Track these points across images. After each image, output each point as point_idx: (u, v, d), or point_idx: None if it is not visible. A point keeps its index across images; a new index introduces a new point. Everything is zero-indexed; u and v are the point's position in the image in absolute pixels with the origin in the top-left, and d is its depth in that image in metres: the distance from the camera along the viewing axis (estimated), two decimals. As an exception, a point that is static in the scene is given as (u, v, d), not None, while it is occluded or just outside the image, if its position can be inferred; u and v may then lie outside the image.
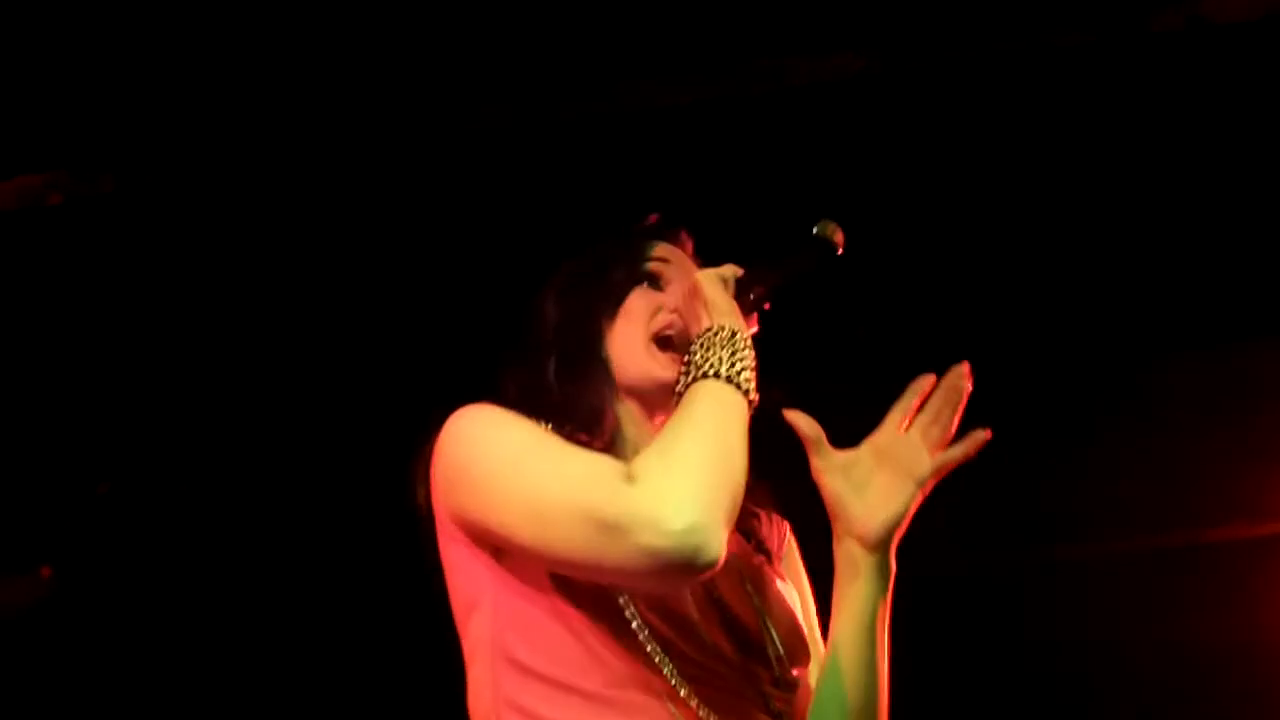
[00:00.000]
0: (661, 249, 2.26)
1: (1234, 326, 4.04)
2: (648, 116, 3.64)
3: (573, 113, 3.68)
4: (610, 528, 1.83)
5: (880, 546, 2.06)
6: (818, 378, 2.41)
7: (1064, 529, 4.37)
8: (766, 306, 2.18)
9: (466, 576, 2.05)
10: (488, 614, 2.02)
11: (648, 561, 1.83)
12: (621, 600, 1.96)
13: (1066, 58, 3.74)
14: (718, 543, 1.83)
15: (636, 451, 2.05)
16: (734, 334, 2.04)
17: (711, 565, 1.83)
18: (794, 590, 2.21)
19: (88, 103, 3.87)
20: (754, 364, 2.04)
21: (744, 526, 2.16)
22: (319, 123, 3.91)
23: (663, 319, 2.18)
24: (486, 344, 2.23)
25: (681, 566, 1.83)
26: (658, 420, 2.14)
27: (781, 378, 2.15)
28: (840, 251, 2.13)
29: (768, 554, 2.19)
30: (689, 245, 2.31)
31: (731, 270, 2.16)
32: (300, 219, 4.05)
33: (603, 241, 2.28)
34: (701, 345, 2.04)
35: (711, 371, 2.00)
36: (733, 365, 2.00)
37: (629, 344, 2.17)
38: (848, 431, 2.13)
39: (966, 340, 4.00)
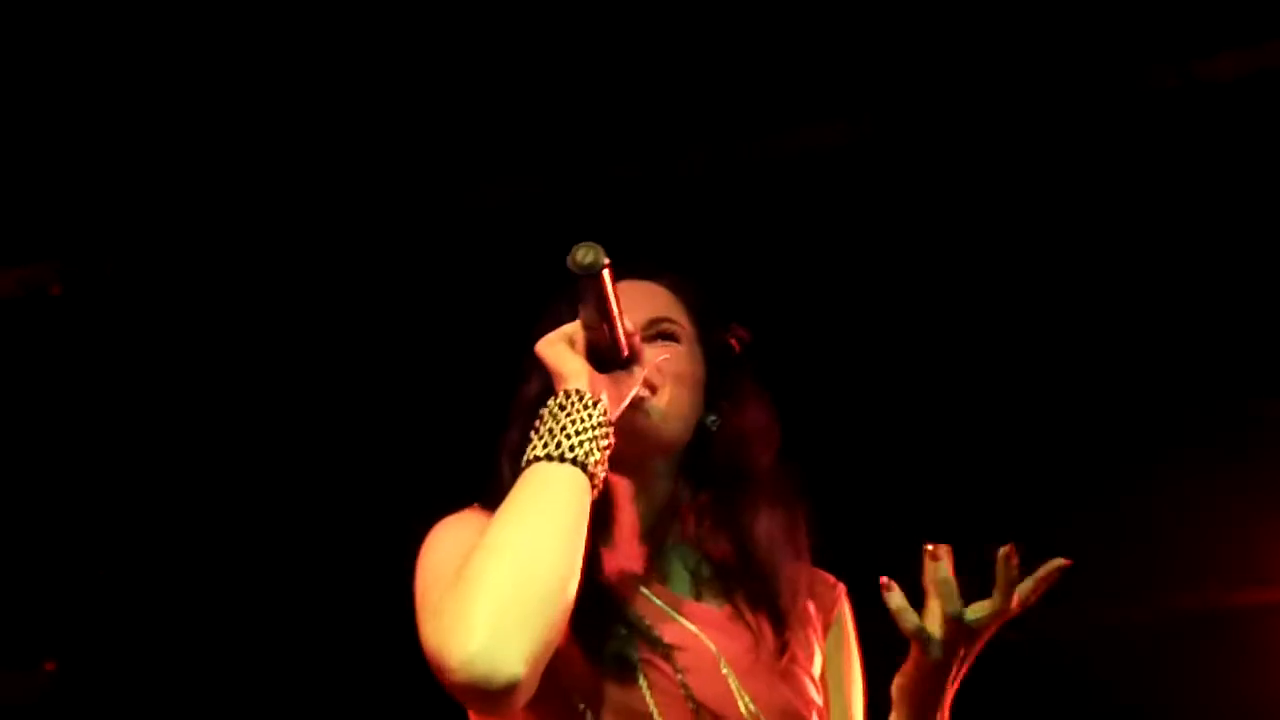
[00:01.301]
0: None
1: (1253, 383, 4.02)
2: (642, 186, 3.66)
3: (569, 185, 3.70)
4: (431, 663, 1.80)
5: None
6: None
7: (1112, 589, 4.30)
8: (634, 334, 2.01)
9: None
10: None
11: (455, 693, 1.79)
12: (580, 706, 1.93)
13: (1060, 118, 3.76)
14: (506, 665, 1.74)
15: (611, 512, 2.05)
16: (566, 397, 1.92)
17: (508, 687, 1.75)
18: (809, 670, 2.09)
19: (88, 192, 3.90)
20: (593, 421, 1.90)
21: (752, 602, 2.09)
22: (323, 206, 3.93)
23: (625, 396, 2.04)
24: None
25: (479, 696, 1.77)
26: (640, 466, 2.08)
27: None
28: (606, 265, 1.88)
29: (780, 631, 2.08)
30: (646, 270, 2.20)
31: (577, 324, 2.00)
32: (304, 304, 4.06)
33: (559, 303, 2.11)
34: (534, 430, 1.93)
35: (531, 455, 1.90)
36: (554, 438, 1.89)
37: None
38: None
39: (992, 406, 4.00)
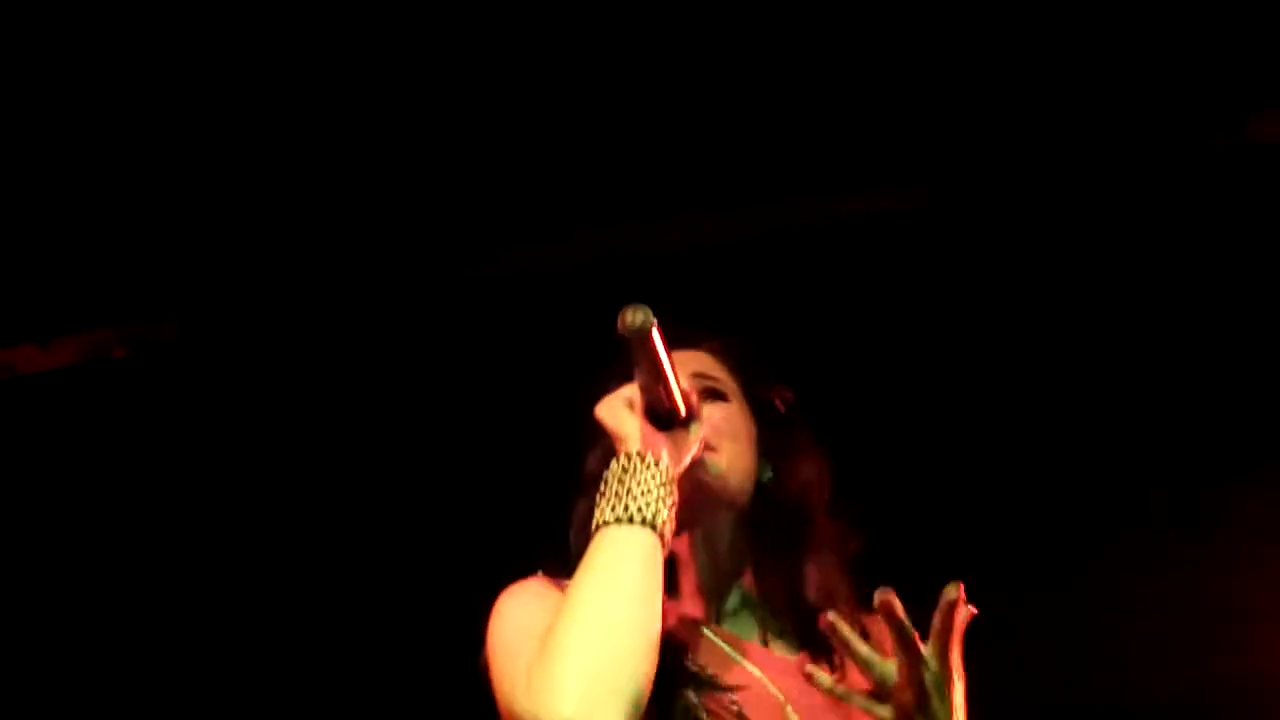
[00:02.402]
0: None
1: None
2: (694, 252, 3.67)
3: (612, 250, 3.72)
4: None
5: None
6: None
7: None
8: (691, 394, 2.05)
9: None
10: None
11: None
12: None
13: (1113, 184, 3.76)
14: None
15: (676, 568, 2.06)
16: (630, 459, 1.95)
17: None
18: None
19: (148, 255, 3.94)
20: (658, 481, 1.93)
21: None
22: (386, 267, 3.96)
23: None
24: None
25: None
26: (703, 523, 2.11)
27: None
28: (655, 325, 1.92)
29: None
30: (694, 337, 2.25)
31: (634, 387, 2.03)
32: (359, 366, 4.09)
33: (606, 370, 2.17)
34: (600, 494, 1.96)
35: (600, 520, 1.93)
36: (622, 500, 1.92)
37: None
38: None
39: (1028, 462, 3.99)
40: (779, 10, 3.42)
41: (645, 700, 1.83)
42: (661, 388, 1.99)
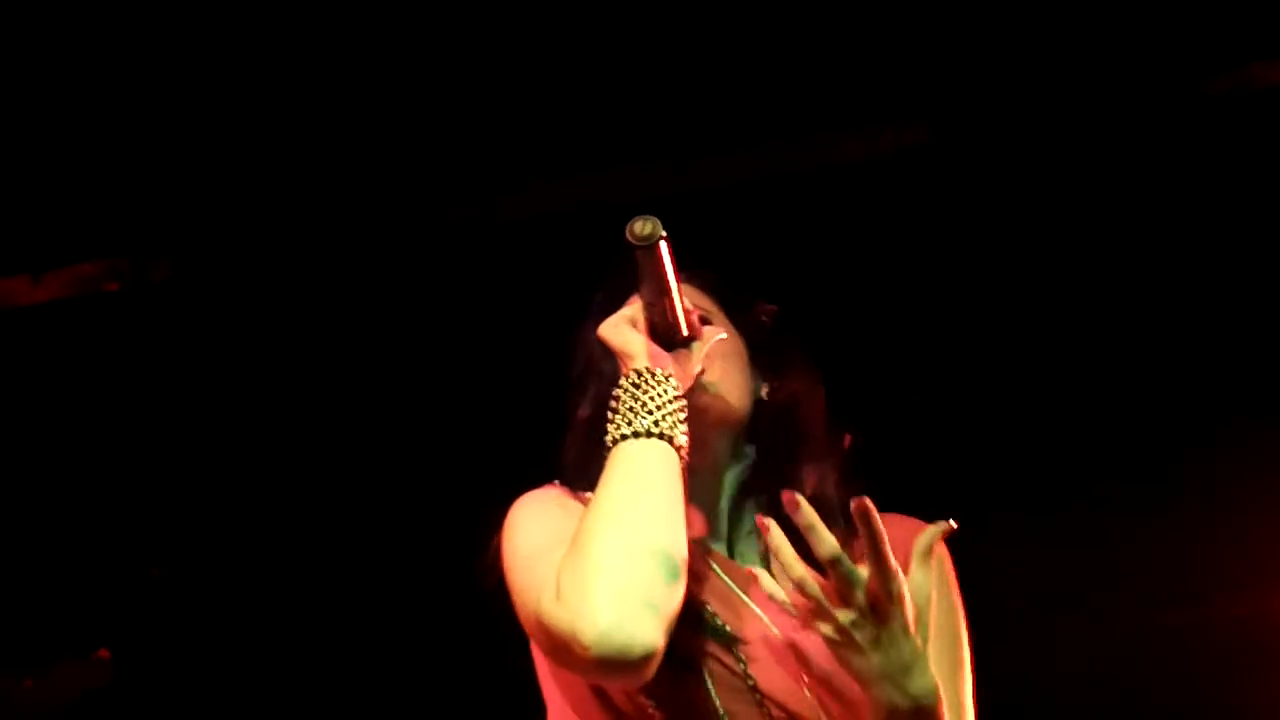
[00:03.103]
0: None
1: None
2: (696, 195, 3.65)
3: (603, 194, 3.70)
4: (554, 643, 1.86)
5: None
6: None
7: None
8: (693, 312, 2.08)
9: (538, 667, 2.10)
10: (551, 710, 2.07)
11: (588, 669, 1.84)
12: (644, 700, 1.95)
13: (1115, 123, 3.74)
14: (641, 635, 1.80)
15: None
16: (639, 375, 1.98)
17: (646, 655, 1.81)
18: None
19: (141, 190, 3.92)
20: (669, 395, 1.96)
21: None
22: (380, 208, 3.94)
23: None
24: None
25: (614, 669, 1.83)
26: (703, 442, 2.08)
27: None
28: (663, 237, 1.95)
29: None
30: (697, 274, 2.24)
31: (636, 305, 2.08)
32: (347, 302, 4.08)
33: (589, 321, 2.19)
34: (611, 411, 1.99)
35: (618, 435, 1.95)
36: (636, 415, 1.94)
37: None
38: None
39: (1031, 406, 3.99)
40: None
41: (675, 617, 1.84)
42: (666, 302, 2.01)
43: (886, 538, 1.85)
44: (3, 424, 4.10)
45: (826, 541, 1.86)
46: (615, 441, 1.94)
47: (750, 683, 1.97)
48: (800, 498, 1.88)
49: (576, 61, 3.60)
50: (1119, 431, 4.05)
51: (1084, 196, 3.85)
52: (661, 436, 1.93)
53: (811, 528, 1.86)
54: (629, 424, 1.94)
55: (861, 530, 1.85)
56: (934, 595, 1.91)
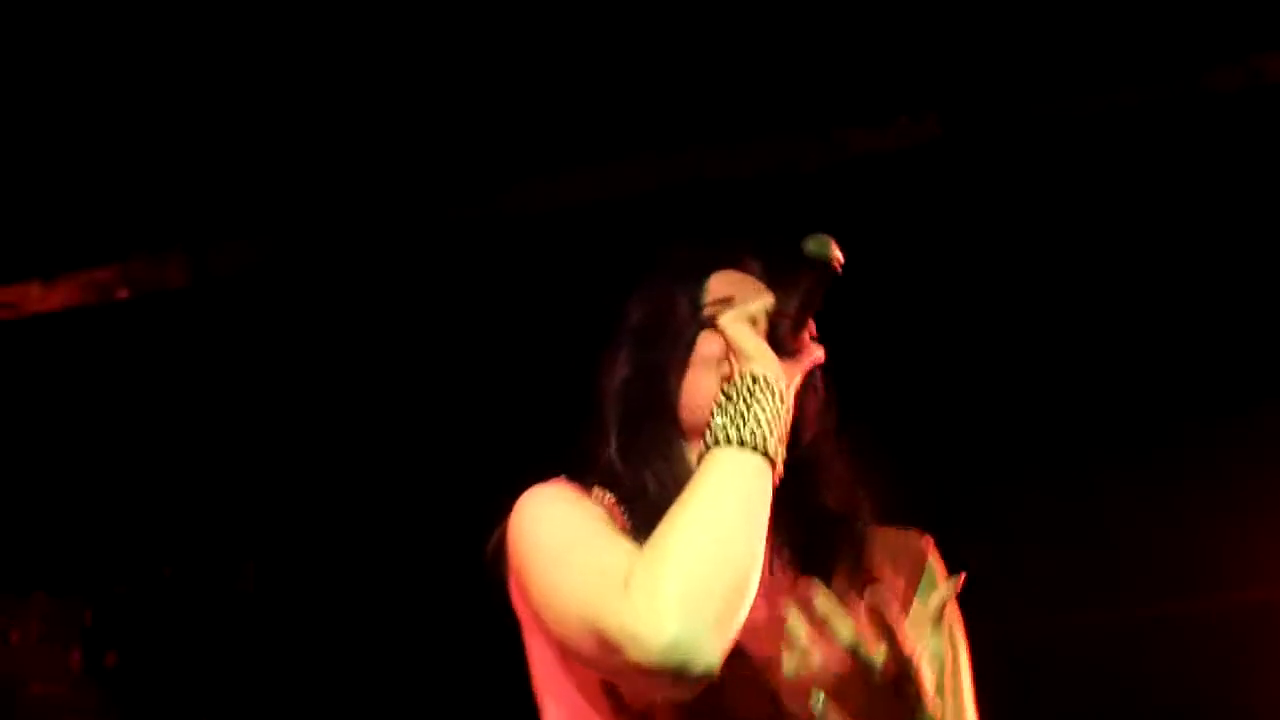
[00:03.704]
0: (724, 281, 2.15)
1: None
2: (702, 187, 3.66)
3: (629, 184, 3.71)
4: (605, 643, 1.79)
5: None
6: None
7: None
8: (811, 331, 2.06)
9: (538, 668, 2.05)
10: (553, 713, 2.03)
11: (638, 677, 1.79)
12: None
13: (1121, 116, 3.75)
14: (706, 653, 1.75)
15: None
16: (754, 381, 1.93)
17: (705, 675, 1.76)
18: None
19: (152, 195, 3.93)
20: (779, 411, 1.92)
21: (823, 573, 2.05)
22: (383, 206, 3.95)
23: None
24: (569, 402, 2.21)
25: (670, 681, 1.77)
26: None
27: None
28: (838, 267, 1.94)
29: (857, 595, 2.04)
30: (753, 264, 2.19)
31: (761, 305, 2.02)
32: (367, 309, 4.09)
33: (665, 279, 2.17)
34: (716, 408, 1.93)
35: (722, 437, 1.90)
36: (745, 422, 1.89)
37: (702, 392, 2.07)
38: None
39: (1022, 400, 4.00)
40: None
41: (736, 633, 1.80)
42: (799, 316, 2.00)
43: (901, 625, 1.86)
44: (13, 428, 4.12)
45: (841, 632, 1.87)
46: (719, 443, 1.90)
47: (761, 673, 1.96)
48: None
49: (582, 55, 3.60)
50: (1122, 421, 4.06)
51: (1090, 191, 3.86)
52: (767, 455, 1.89)
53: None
54: (737, 430, 1.89)
55: (872, 622, 1.86)
56: (950, 652, 1.94)
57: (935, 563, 2.17)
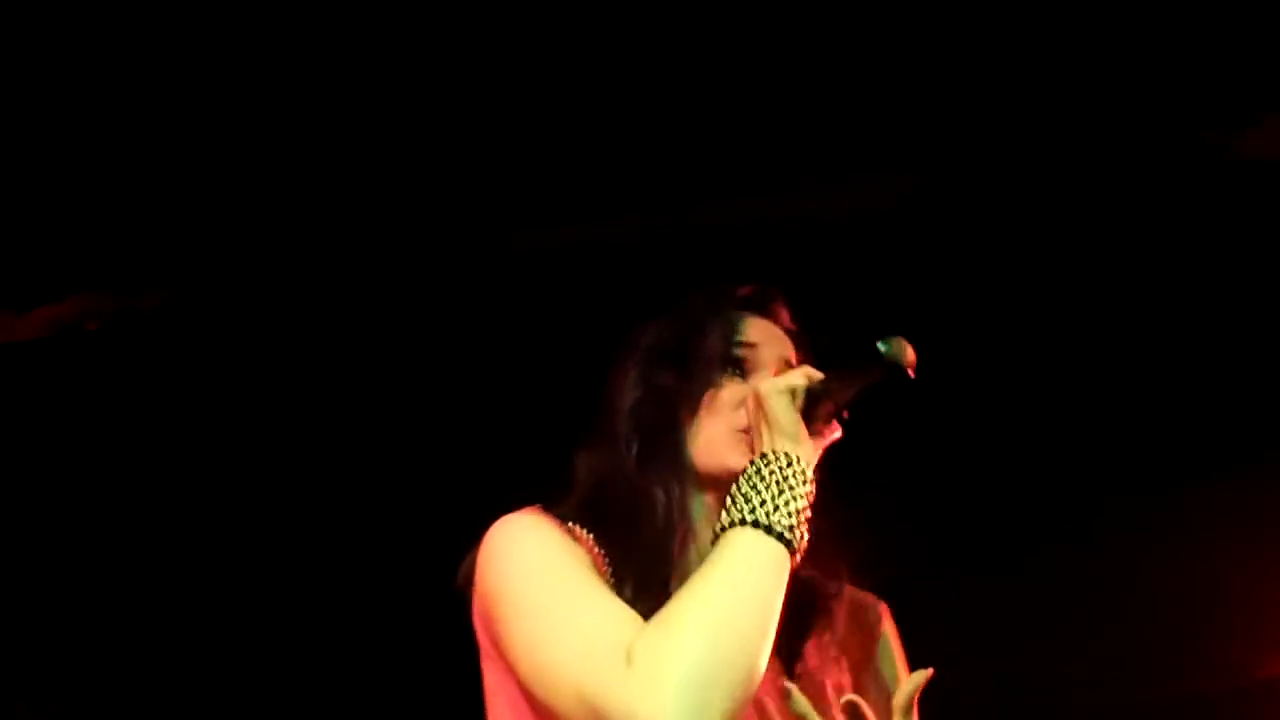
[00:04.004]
0: (751, 328, 2.09)
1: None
2: (682, 235, 3.67)
3: (612, 232, 3.71)
4: (599, 716, 1.73)
5: None
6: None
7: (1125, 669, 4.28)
8: (844, 416, 2.00)
9: (496, 699, 1.96)
10: None
11: None
12: None
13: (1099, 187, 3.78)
14: None
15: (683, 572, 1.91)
16: (789, 463, 1.88)
17: None
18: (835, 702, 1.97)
19: (127, 228, 3.90)
20: (807, 500, 1.87)
21: (795, 647, 2.02)
22: (371, 244, 3.94)
23: (745, 419, 2.00)
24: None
25: None
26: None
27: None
28: (912, 373, 1.92)
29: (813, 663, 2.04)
30: (784, 315, 2.15)
31: (804, 378, 1.96)
32: (337, 339, 4.07)
33: (691, 309, 2.11)
34: (746, 479, 1.87)
35: (750, 517, 1.83)
36: (776, 508, 1.83)
37: (710, 436, 2.00)
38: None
39: (997, 463, 4.01)
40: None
41: None
42: (838, 401, 1.96)
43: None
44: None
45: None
46: (745, 523, 1.83)
47: None
48: (792, 687, 1.87)
49: (552, 108, 3.59)
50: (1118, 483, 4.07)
51: (1079, 246, 3.88)
52: (790, 546, 1.83)
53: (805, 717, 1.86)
54: (768, 515, 1.83)
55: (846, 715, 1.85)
56: None
57: (890, 633, 2.14)
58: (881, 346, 1.90)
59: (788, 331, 2.13)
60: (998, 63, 3.54)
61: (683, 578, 1.87)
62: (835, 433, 2.00)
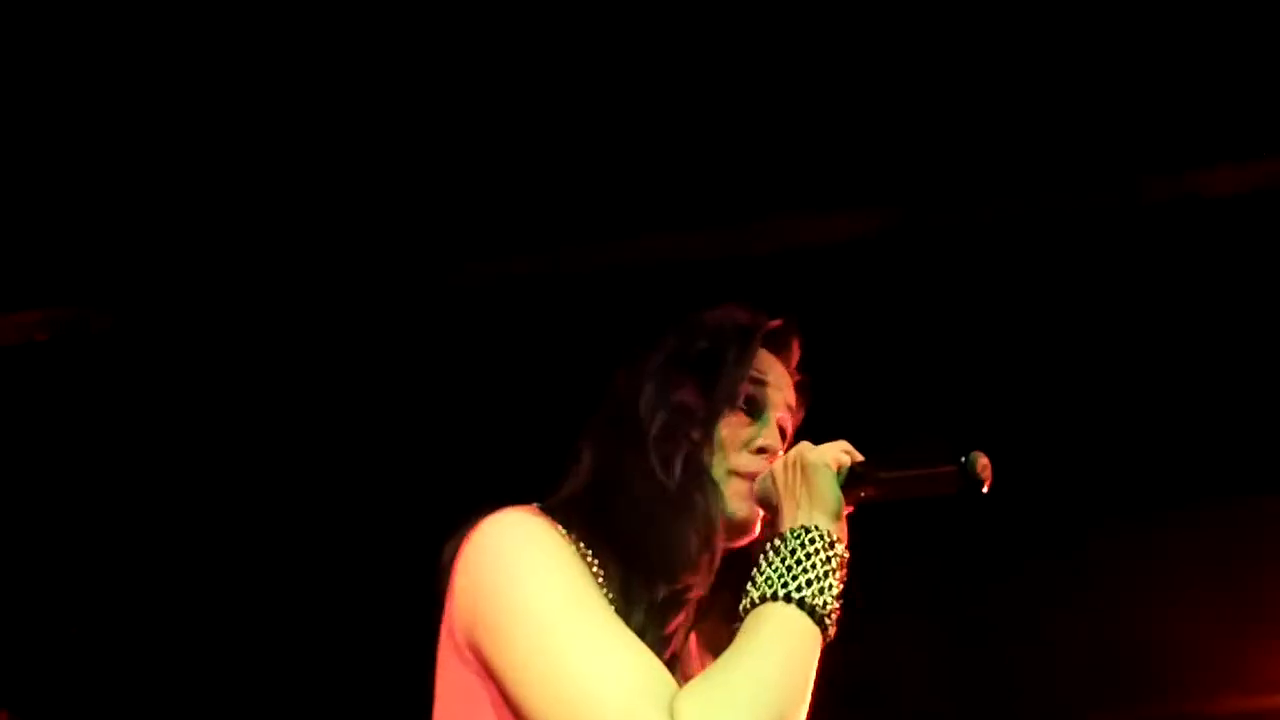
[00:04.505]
0: (766, 363, 2.04)
1: (1224, 486, 4.08)
2: (661, 270, 3.67)
3: (585, 263, 3.71)
4: None
5: None
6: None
7: (1047, 704, 4.34)
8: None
9: (464, 704, 1.83)
10: None
11: None
12: None
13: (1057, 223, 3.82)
14: None
15: (679, 582, 1.86)
16: (831, 544, 1.82)
17: None
18: None
19: (81, 242, 3.87)
20: (841, 586, 1.81)
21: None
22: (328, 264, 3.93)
23: (748, 463, 1.96)
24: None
25: None
26: (718, 553, 1.91)
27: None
28: (985, 490, 1.84)
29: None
30: (795, 358, 2.10)
31: (848, 456, 1.90)
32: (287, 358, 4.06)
33: (718, 327, 2.02)
34: (787, 549, 1.81)
35: (795, 595, 1.78)
36: (818, 589, 1.78)
37: (705, 461, 1.94)
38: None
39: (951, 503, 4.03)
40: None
41: None
42: (889, 495, 1.90)
43: None
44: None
45: None
46: (785, 597, 1.78)
47: None
48: None
49: (532, 141, 3.59)
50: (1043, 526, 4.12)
51: (1022, 294, 3.93)
52: (824, 628, 1.79)
53: None
54: (811, 589, 1.78)
55: None
56: None
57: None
58: (969, 461, 1.83)
59: (793, 375, 2.09)
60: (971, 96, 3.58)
61: (674, 595, 1.85)
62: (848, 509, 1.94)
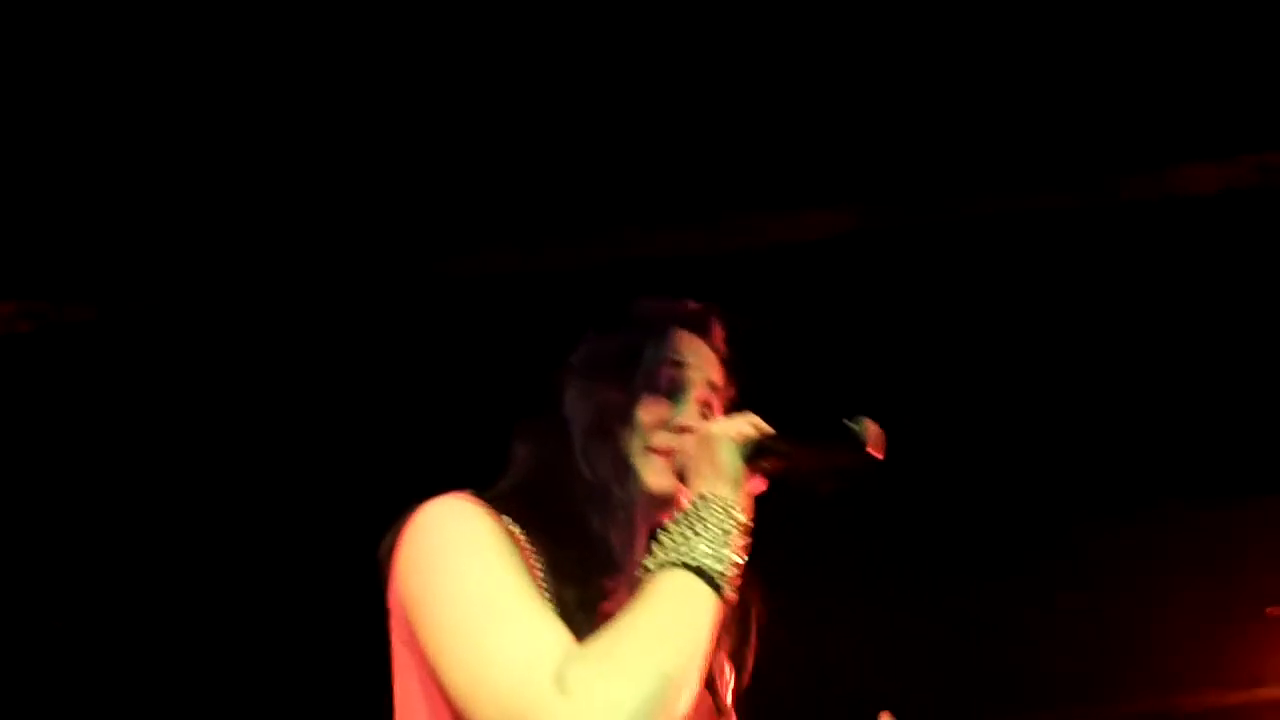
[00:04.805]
0: (686, 345, 2.13)
1: (1208, 484, 4.08)
2: (628, 265, 3.68)
3: (554, 261, 3.72)
4: (511, 711, 1.74)
5: None
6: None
7: (1029, 696, 4.35)
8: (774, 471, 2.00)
9: (409, 685, 1.92)
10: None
11: None
12: None
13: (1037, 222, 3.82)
14: None
15: (612, 565, 1.95)
16: (728, 510, 1.91)
17: None
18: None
19: (63, 233, 3.88)
20: (740, 551, 1.89)
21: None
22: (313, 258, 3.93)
23: (665, 440, 2.05)
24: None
25: None
26: (643, 532, 2.01)
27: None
28: (879, 458, 1.91)
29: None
30: (718, 336, 2.18)
31: (754, 430, 1.98)
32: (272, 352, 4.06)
33: (635, 321, 2.14)
34: (686, 518, 1.90)
35: (692, 561, 1.85)
36: (715, 555, 1.86)
37: (626, 449, 2.03)
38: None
39: (933, 498, 4.04)
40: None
41: None
42: (787, 466, 1.96)
43: None
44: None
45: None
46: (685, 565, 1.84)
47: None
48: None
49: (504, 136, 3.59)
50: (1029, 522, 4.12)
51: (1000, 291, 3.93)
52: (720, 593, 1.85)
53: None
54: (709, 554, 1.85)
55: None
56: None
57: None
58: (850, 425, 1.91)
59: (718, 353, 2.16)
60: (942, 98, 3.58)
61: (607, 577, 1.93)
62: (760, 486, 2.01)
